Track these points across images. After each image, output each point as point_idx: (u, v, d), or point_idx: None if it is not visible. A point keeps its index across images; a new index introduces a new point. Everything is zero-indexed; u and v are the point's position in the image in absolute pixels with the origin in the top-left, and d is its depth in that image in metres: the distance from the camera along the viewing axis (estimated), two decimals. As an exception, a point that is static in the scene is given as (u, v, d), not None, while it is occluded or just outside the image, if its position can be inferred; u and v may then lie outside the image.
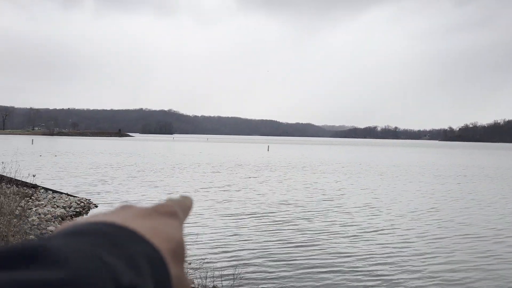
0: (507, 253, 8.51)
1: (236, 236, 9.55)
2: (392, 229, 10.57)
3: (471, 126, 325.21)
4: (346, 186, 19.31)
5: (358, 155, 52.26)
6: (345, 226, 10.80)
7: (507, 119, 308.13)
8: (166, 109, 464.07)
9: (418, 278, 6.97)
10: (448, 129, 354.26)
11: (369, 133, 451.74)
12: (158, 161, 33.73)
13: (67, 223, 0.37)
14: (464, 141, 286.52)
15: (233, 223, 10.95)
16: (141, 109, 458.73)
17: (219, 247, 8.57)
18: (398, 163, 36.91)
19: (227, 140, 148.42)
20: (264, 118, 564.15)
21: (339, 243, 9.11)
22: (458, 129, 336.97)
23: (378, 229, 10.48)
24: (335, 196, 15.87)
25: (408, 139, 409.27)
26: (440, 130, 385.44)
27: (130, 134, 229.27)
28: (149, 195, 15.33)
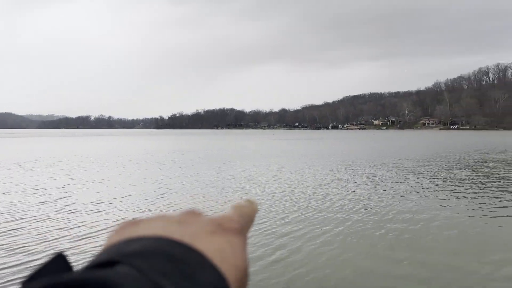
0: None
1: None
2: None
3: (178, 115, 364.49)
4: (69, 181, 17.09)
5: (75, 146, 48.18)
6: (72, 228, 9.31)
7: (206, 109, 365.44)
8: None
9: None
10: (159, 117, 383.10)
11: (82, 122, 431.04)
12: None
13: (130, 228, 0.35)
14: (173, 128, 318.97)
15: None
16: None
17: None
18: (119, 153, 36.39)
19: None
20: None
21: (64, 249, 7.65)
22: (167, 117, 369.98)
23: (107, 227, 9.58)
24: (57, 196, 13.64)
25: (123, 127, 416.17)
26: (152, 118, 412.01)
27: None
28: None
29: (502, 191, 14.10)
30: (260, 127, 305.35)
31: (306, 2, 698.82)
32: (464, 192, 14.00)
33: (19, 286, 0.26)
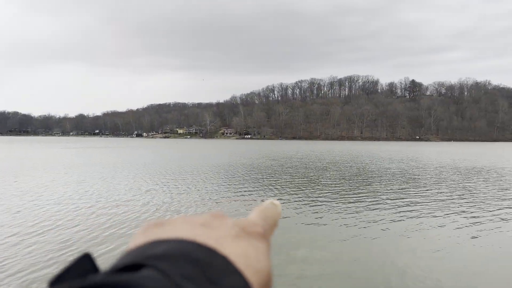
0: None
1: None
2: None
3: None
4: None
5: None
6: None
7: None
8: None
9: None
10: None
11: None
12: None
13: (154, 230, 0.35)
14: None
15: None
16: None
17: None
18: None
19: None
20: None
21: None
22: None
23: None
24: None
25: None
26: None
27: None
28: None
29: (297, 194, 16.42)
30: (53, 134, 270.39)
31: (110, 6, 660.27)
32: (271, 193, 15.63)
33: (47, 285, 0.26)
